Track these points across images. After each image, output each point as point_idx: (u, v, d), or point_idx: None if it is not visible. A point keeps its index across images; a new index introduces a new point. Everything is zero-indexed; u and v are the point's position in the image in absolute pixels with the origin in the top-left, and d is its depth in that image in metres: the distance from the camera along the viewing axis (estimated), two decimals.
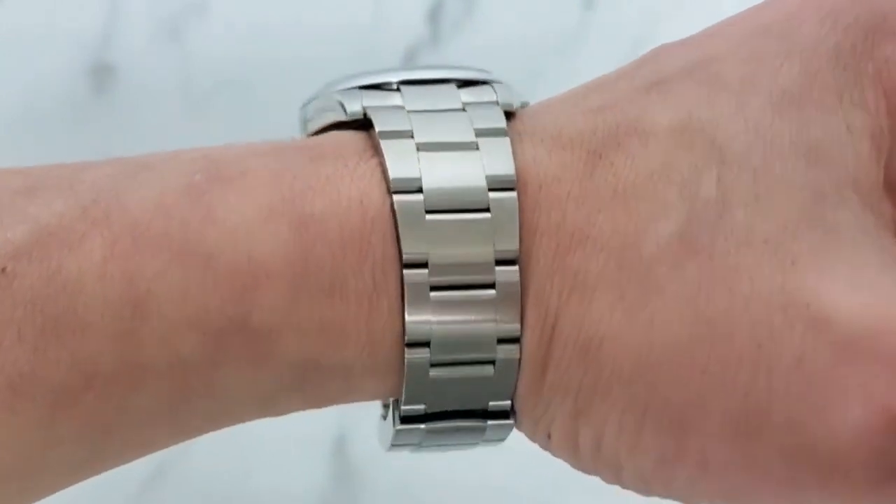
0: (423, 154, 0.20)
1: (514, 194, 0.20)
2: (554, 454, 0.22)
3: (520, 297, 0.20)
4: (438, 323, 0.20)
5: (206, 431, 0.21)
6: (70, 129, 0.43)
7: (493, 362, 0.20)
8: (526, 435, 0.22)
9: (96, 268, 0.18)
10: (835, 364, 0.18)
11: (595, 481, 0.22)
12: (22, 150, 0.42)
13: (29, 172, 0.20)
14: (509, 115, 0.21)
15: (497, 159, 0.20)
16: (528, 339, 0.20)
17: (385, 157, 0.20)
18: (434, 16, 0.45)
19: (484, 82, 0.22)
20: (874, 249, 0.20)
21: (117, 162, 0.21)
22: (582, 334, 0.20)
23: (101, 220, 0.19)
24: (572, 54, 0.44)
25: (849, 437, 0.18)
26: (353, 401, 0.22)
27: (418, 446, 0.22)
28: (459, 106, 0.21)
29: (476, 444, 0.22)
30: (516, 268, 0.20)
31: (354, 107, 0.21)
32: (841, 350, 0.18)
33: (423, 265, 0.20)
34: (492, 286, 0.20)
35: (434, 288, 0.20)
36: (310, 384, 0.20)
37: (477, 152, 0.20)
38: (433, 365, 0.20)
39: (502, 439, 0.22)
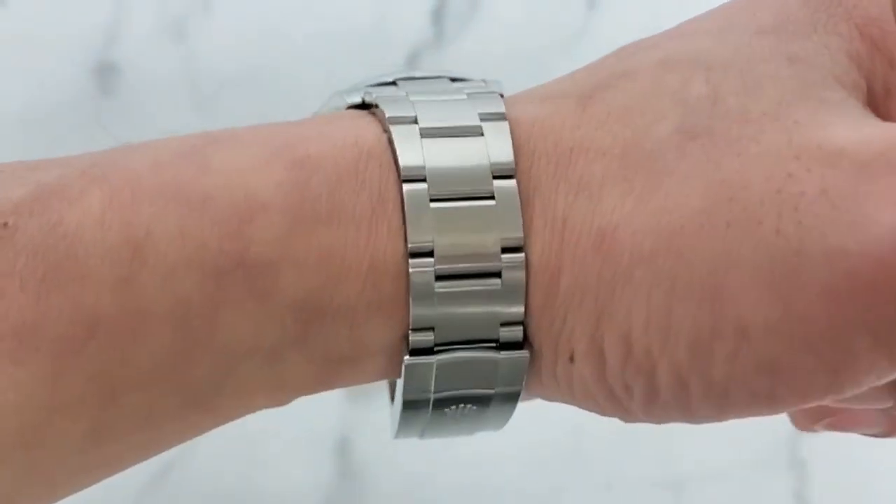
0: (418, 101, 0.21)
1: (504, 122, 0.21)
2: (579, 387, 0.21)
3: (519, 207, 0.20)
4: (440, 232, 0.20)
5: (213, 413, 0.21)
6: (75, 128, 0.43)
7: (499, 274, 0.20)
8: (545, 373, 0.21)
9: (95, 217, 0.19)
10: (858, 184, 0.18)
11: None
12: (27, 148, 0.42)
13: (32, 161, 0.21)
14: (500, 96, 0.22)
15: (489, 102, 0.21)
16: (535, 246, 0.20)
17: (381, 106, 0.21)
18: (438, 16, 0.45)
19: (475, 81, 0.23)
20: (868, 115, 0.20)
21: (114, 148, 0.21)
22: (594, 227, 0.20)
23: (99, 177, 0.19)
24: (576, 55, 0.44)
25: (889, 239, 0.18)
26: (360, 369, 0.21)
27: (426, 426, 0.22)
28: (451, 86, 0.22)
29: (488, 405, 0.21)
30: (513, 181, 0.20)
31: (354, 98, 0.22)
32: (860, 172, 0.18)
33: (422, 180, 0.20)
34: (491, 197, 0.20)
35: (434, 199, 0.20)
36: (313, 335, 0.20)
37: (469, 100, 0.21)
38: (438, 278, 0.20)
39: (516, 392, 0.21)
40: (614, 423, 0.21)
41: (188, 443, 0.21)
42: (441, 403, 0.21)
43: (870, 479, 0.42)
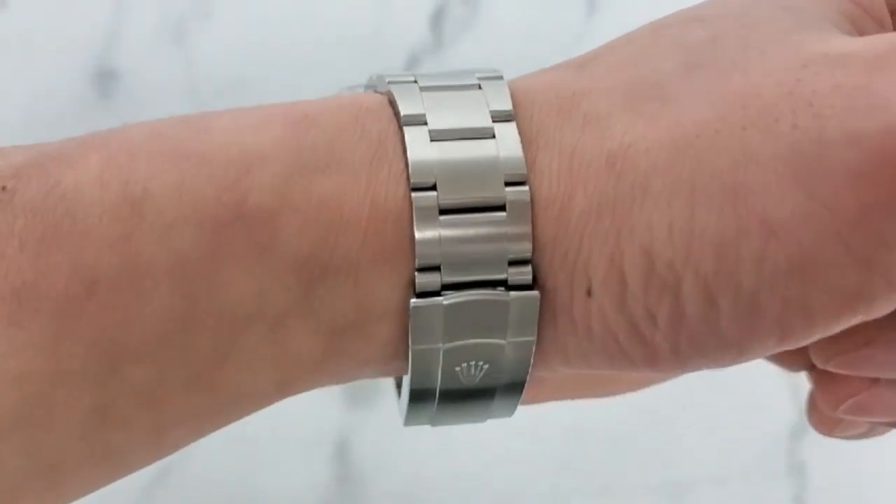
0: (419, 74, 0.21)
1: (502, 81, 0.21)
2: (598, 326, 0.20)
3: (520, 142, 0.20)
4: (442, 168, 0.20)
5: (216, 393, 0.20)
6: (75, 133, 0.43)
7: (503, 207, 0.20)
8: (561, 317, 0.20)
9: (93, 178, 0.19)
10: (870, 75, 0.18)
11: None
12: None
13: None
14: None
15: (488, 71, 0.21)
16: (542, 180, 0.20)
17: (384, 77, 0.21)
18: (437, 21, 0.45)
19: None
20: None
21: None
22: (605, 150, 0.19)
23: (98, 144, 0.19)
24: None
25: None
26: (366, 339, 0.20)
27: (436, 409, 0.21)
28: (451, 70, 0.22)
29: (501, 363, 0.20)
30: (513, 123, 0.20)
31: (359, 89, 0.22)
32: (871, 65, 0.19)
33: (423, 124, 0.20)
34: (492, 136, 0.20)
35: (435, 140, 0.20)
36: (318, 298, 0.19)
37: (468, 71, 0.21)
38: (442, 212, 0.20)
39: (528, 345, 0.20)
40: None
41: (186, 447, 0.21)
42: (452, 357, 0.20)
43: (869, 483, 0.42)
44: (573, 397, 0.27)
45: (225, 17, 0.45)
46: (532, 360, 0.21)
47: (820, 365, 0.23)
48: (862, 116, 0.18)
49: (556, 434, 0.39)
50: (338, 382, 0.21)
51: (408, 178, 0.20)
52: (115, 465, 0.20)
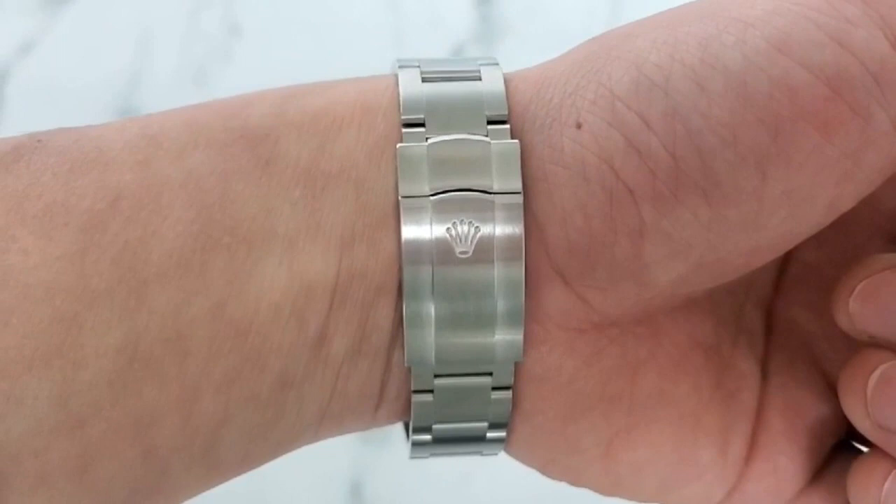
0: (426, 77, 0.22)
1: (498, 70, 0.21)
2: (591, 159, 0.20)
3: (502, 79, 0.21)
4: (427, 70, 0.21)
5: (237, 325, 0.20)
6: None
7: (479, 77, 0.21)
8: (549, 160, 0.20)
9: (116, 127, 0.21)
10: None
11: None
12: None
13: None
14: None
15: (488, 66, 0.22)
16: (519, 82, 0.21)
17: (397, 76, 0.22)
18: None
19: None
20: None
21: None
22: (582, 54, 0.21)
23: (117, 122, 0.21)
24: None
25: None
26: (374, 250, 0.20)
27: (436, 333, 0.20)
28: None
29: (491, 233, 0.20)
30: (498, 67, 0.22)
31: None
32: None
33: (416, 67, 0.21)
34: (478, 78, 0.21)
35: (426, 80, 0.21)
36: (324, 211, 0.20)
37: (471, 61, 0.22)
38: (425, 80, 0.21)
39: (517, 238, 0.20)
40: None
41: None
42: (442, 213, 0.20)
43: None
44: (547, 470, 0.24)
45: (245, 57, 0.46)
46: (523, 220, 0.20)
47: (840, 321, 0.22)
48: None
49: None
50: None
51: (396, 83, 0.21)
52: (142, 433, 0.19)
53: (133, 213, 0.20)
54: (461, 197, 0.20)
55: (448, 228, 0.20)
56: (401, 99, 0.21)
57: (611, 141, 0.19)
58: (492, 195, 0.20)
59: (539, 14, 0.48)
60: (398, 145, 0.20)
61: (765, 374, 0.23)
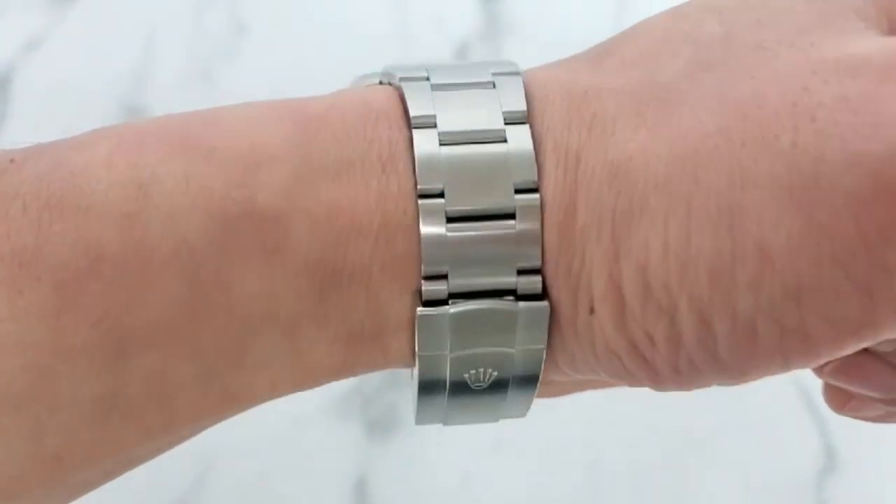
0: (431, 67, 0.21)
1: (517, 76, 0.20)
2: (601, 342, 0.20)
3: (532, 149, 0.19)
4: (451, 173, 0.19)
5: (231, 393, 0.19)
6: None
7: (513, 215, 0.19)
8: (566, 328, 0.20)
9: (101, 159, 0.18)
10: (879, 87, 0.17)
11: None
12: None
13: None
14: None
15: (503, 65, 0.21)
16: (548, 185, 0.19)
17: (395, 73, 0.21)
18: (460, 57, 0.46)
19: None
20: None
21: None
22: (608, 160, 0.19)
23: (109, 133, 0.19)
24: None
25: None
26: (382, 348, 0.20)
27: (447, 406, 0.20)
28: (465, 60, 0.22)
29: (510, 368, 0.20)
30: (526, 126, 0.20)
31: (372, 80, 0.22)
32: (881, 75, 0.17)
33: (432, 126, 0.20)
34: (503, 140, 0.19)
35: (445, 144, 0.19)
36: (331, 305, 0.19)
37: (482, 64, 0.21)
38: (450, 220, 0.19)
39: (539, 352, 0.20)
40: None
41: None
42: (460, 365, 0.20)
43: None
44: (593, 387, 0.26)
45: (252, 55, 0.46)
46: (543, 367, 0.20)
47: (835, 408, 0.23)
48: (865, 137, 0.17)
49: (576, 474, 0.39)
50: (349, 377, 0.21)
51: (416, 185, 0.19)
52: (122, 462, 0.19)
53: (115, 279, 0.18)
54: (482, 353, 0.20)
55: (465, 375, 0.20)
56: (423, 244, 0.19)
57: (618, 343, 0.19)
58: (513, 350, 0.20)
59: (545, 12, 0.48)
60: (418, 311, 0.19)
61: None
